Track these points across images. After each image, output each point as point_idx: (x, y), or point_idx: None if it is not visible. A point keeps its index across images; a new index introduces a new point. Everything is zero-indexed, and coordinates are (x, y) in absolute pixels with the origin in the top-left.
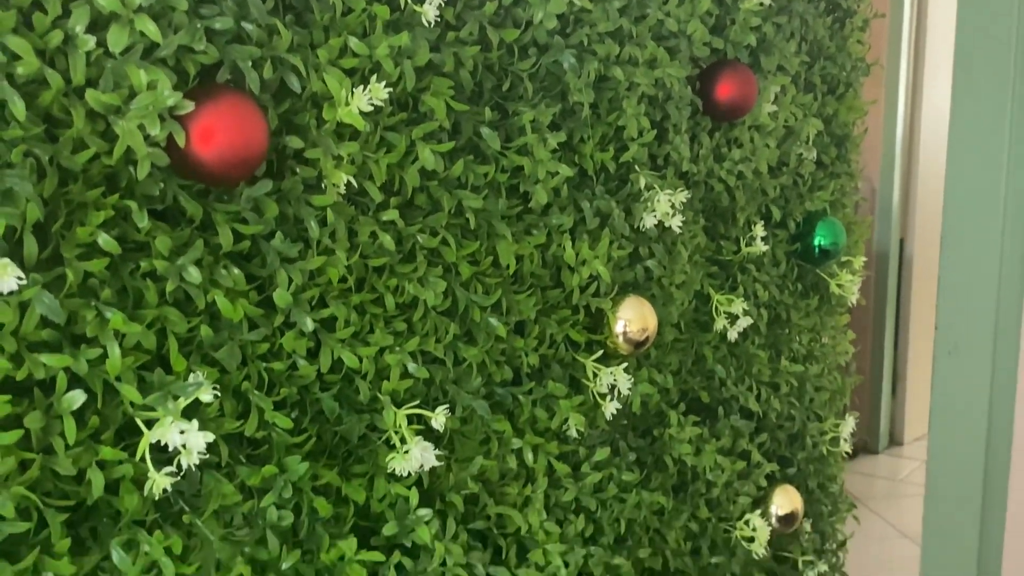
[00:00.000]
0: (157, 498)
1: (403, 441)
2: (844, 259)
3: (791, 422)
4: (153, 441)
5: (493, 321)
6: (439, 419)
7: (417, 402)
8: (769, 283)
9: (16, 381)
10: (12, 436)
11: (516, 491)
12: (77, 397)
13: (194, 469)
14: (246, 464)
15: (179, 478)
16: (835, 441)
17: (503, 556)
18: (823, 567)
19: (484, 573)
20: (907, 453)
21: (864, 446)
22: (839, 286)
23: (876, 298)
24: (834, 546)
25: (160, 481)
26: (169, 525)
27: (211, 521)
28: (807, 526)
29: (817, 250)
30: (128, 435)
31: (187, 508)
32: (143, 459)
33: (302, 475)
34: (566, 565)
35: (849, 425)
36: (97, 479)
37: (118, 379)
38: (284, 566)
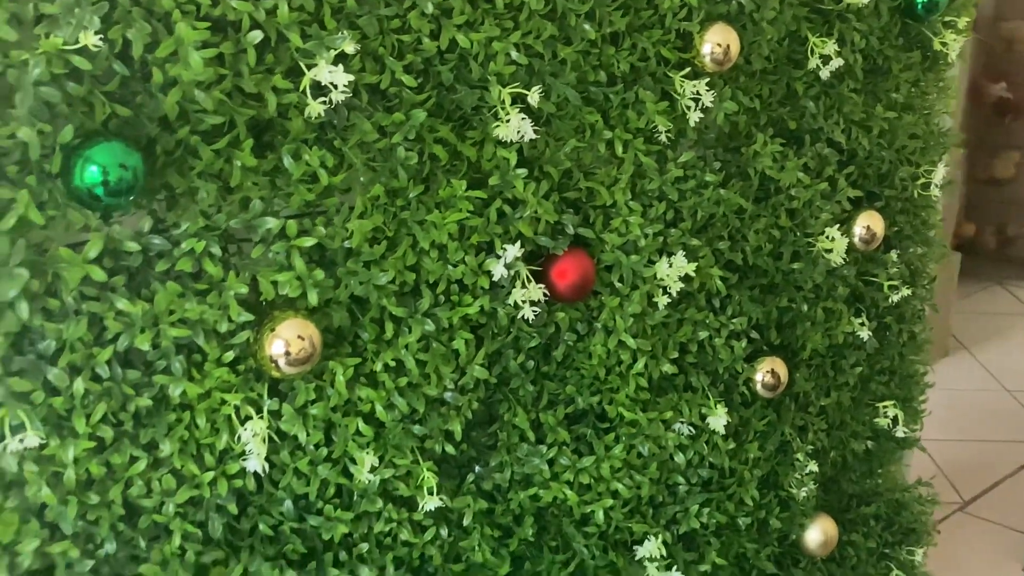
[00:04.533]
0: (315, 120)
1: (506, 114)
2: (948, 19)
3: (880, 162)
4: (312, 78)
5: (586, 26)
6: (534, 97)
7: (518, 84)
8: (868, 33)
9: (213, 16)
10: (209, 52)
11: (605, 172)
12: (257, 35)
13: (342, 104)
14: (381, 111)
15: (331, 108)
16: (926, 186)
17: (590, 221)
18: (907, 291)
19: (573, 232)
20: None
21: None
22: (942, 44)
23: None
24: (925, 281)
25: (315, 107)
26: (325, 148)
27: (355, 149)
28: (894, 256)
29: (920, 6)
30: (294, 76)
31: (338, 137)
32: (304, 92)
33: (423, 123)
34: (645, 236)
35: (940, 172)
36: (271, 99)
37: (287, 27)
38: (411, 195)
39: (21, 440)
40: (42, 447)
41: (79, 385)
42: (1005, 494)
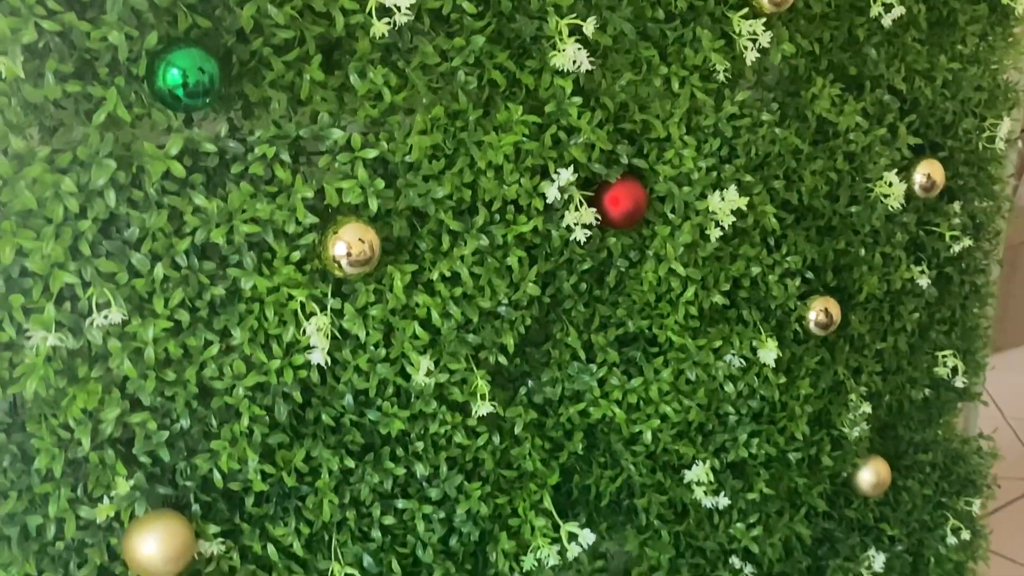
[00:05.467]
0: (380, 41)
1: (563, 44)
2: None
3: (944, 112)
4: (377, 1)
5: None
6: (589, 28)
7: (575, 15)
8: None
9: None
10: None
11: (660, 106)
12: None
13: (405, 27)
14: (443, 36)
15: (395, 30)
16: (991, 139)
17: (644, 153)
18: (969, 242)
19: (627, 162)
20: None
21: None
22: None
23: None
24: (990, 235)
25: (379, 27)
26: (389, 69)
27: (417, 71)
28: (956, 207)
29: None
30: None
31: (402, 59)
32: (370, 13)
33: (483, 49)
34: (699, 170)
35: (1006, 126)
36: (339, 19)
37: None
38: (470, 117)
39: (106, 316)
40: (124, 324)
41: (159, 270)
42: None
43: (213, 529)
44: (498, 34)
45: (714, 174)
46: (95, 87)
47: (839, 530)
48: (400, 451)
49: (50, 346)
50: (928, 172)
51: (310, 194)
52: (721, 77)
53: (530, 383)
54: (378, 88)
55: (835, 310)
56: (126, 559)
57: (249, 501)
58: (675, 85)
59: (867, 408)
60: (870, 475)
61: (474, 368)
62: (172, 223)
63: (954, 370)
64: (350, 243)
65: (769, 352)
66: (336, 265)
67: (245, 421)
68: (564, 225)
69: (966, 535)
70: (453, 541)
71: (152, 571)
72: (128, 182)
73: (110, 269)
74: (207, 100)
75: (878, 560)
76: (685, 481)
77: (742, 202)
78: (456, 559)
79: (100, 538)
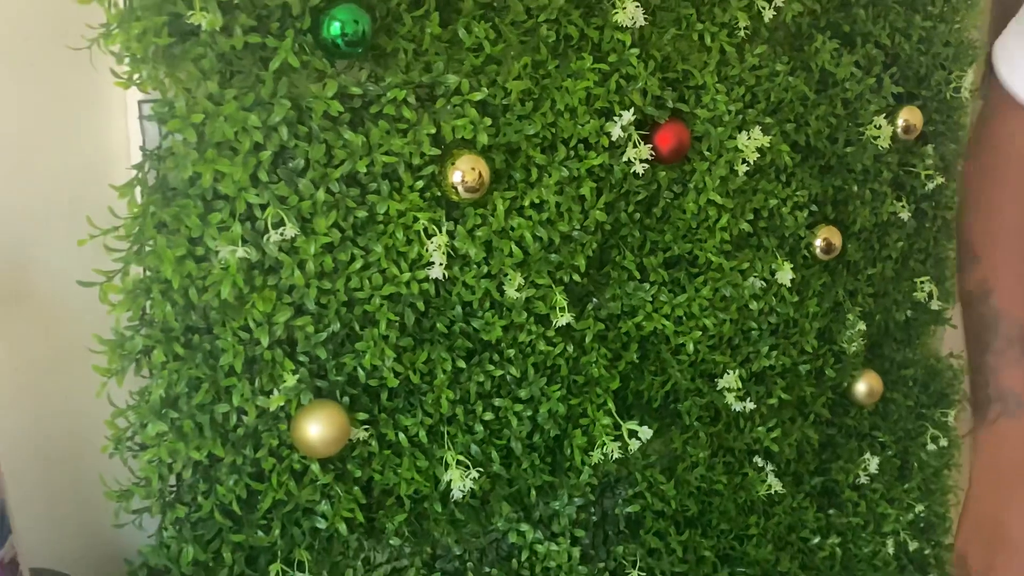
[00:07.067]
0: (481, 1)
1: (623, 3)
2: None
3: (919, 66)
4: None
5: None
6: None
7: None
8: None
9: None
10: None
11: (697, 57)
12: None
13: None
14: None
15: None
16: (957, 89)
17: (685, 99)
18: (940, 180)
19: (672, 106)
20: None
21: None
22: None
23: None
24: (957, 175)
25: None
26: (488, 24)
27: (509, 26)
28: (930, 149)
29: None
30: None
31: (497, 16)
32: None
33: (561, 8)
34: (728, 113)
35: (969, 78)
36: None
37: None
38: (550, 66)
39: (281, 233)
40: (293, 240)
41: (320, 195)
42: None
43: (361, 416)
44: None
45: (740, 117)
46: (269, 39)
47: (840, 436)
48: (496, 356)
49: (238, 258)
50: (907, 118)
51: (432, 130)
52: (742, 33)
53: (595, 300)
54: (480, 40)
55: (836, 239)
56: (294, 441)
57: (383, 396)
58: (707, 39)
59: (862, 326)
60: (865, 387)
61: (553, 285)
62: (326, 156)
63: (930, 295)
64: (464, 171)
65: (786, 274)
66: (454, 191)
67: (383, 326)
68: (624, 160)
69: (944, 443)
70: (536, 437)
71: (316, 451)
72: (296, 119)
73: (283, 193)
74: (360, 49)
75: (873, 463)
76: (718, 388)
77: (765, 140)
78: (539, 452)
79: (272, 424)
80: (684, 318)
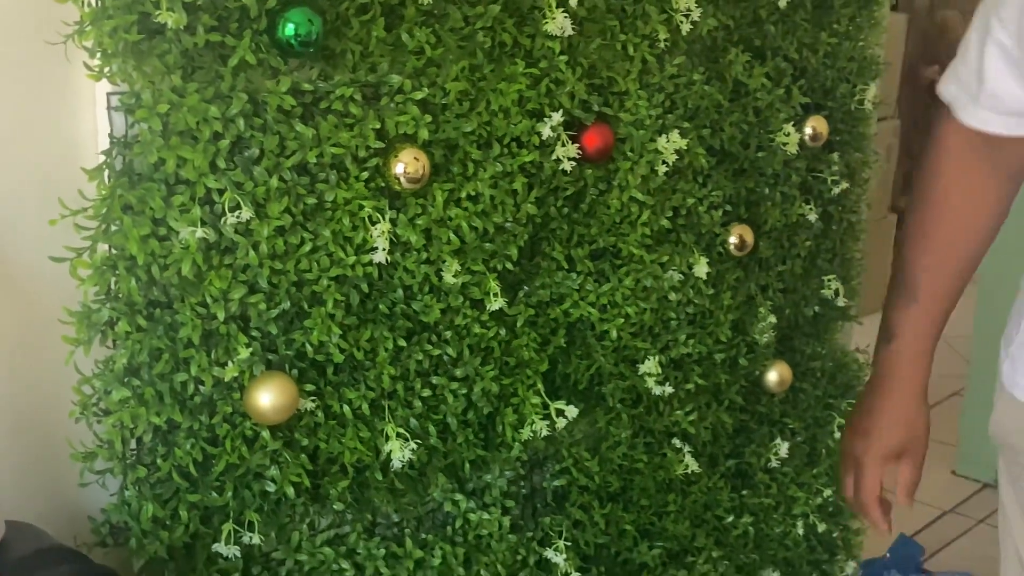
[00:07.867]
0: (424, 7)
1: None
2: None
3: (825, 79)
4: None
5: None
6: (572, 2)
7: None
8: None
9: None
10: None
11: (620, 66)
12: None
13: None
14: (467, 5)
15: (433, 1)
16: (861, 102)
17: (609, 103)
18: (845, 185)
19: (598, 109)
20: None
21: None
22: None
23: None
24: (861, 181)
25: None
26: (429, 30)
27: (448, 32)
28: (835, 156)
29: None
30: None
31: (438, 22)
32: None
33: (496, 16)
34: (650, 117)
35: (871, 91)
36: None
37: None
38: (486, 70)
39: (238, 216)
40: (248, 223)
41: (272, 182)
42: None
43: (308, 387)
44: (506, 5)
45: (660, 121)
46: (229, 38)
47: (752, 421)
48: (434, 337)
49: (198, 238)
50: (814, 126)
51: (377, 125)
52: (662, 45)
53: (526, 287)
54: (422, 44)
55: (749, 236)
56: (247, 409)
57: (330, 370)
58: (630, 50)
59: (773, 320)
60: (776, 375)
61: (487, 272)
62: (279, 146)
63: (836, 292)
64: (407, 163)
65: (702, 268)
66: (396, 181)
67: (330, 305)
68: (554, 158)
69: None
70: (471, 413)
71: (267, 417)
72: (251, 112)
73: (239, 179)
74: (312, 49)
75: (783, 448)
76: (640, 373)
77: (682, 144)
78: (473, 428)
79: (226, 394)
80: (608, 306)
